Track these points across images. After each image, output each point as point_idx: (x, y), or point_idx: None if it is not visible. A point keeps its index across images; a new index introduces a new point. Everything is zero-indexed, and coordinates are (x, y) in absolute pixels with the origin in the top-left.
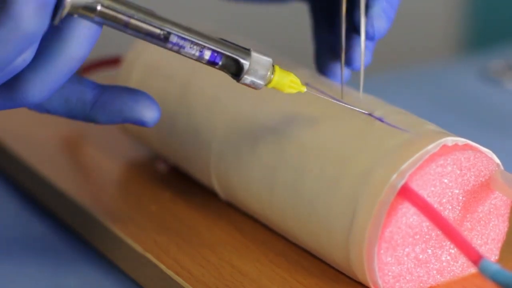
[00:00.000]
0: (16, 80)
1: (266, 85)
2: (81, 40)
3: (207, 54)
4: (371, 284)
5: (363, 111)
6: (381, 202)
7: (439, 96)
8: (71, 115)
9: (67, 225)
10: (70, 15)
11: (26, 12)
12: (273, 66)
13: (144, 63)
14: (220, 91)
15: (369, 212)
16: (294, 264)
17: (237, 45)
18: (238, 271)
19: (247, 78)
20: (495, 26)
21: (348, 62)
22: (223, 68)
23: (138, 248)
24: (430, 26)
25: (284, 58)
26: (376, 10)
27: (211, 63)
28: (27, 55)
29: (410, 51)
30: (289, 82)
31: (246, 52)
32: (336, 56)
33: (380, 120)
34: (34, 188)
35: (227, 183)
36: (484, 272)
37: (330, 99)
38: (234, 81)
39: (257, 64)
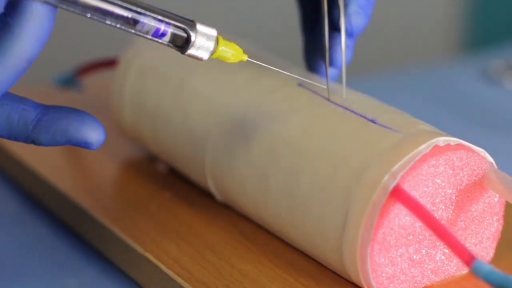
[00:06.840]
0: None
1: (210, 56)
2: (32, 39)
3: (153, 27)
4: (365, 286)
5: (356, 112)
6: (373, 203)
7: (439, 96)
8: (12, 135)
9: (67, 225)
10: None
11: None
12: (217, 36)
13: (139, 64)
14: (214, 91)
15: (361, 213)
16: (294, 264)
17: (181, 16)
18: (238, 271)
19: (193, 50)
20: (495, 26)
21: (330, 61)
22: (171, 41)
23: (138, 248)
24: (430, 26)
25: (278, 58)
26: (353, 7)
27: (158, 36)
28: None
29: (410, 51)
30: (232, 52)
31: (191, 23)
32: (320, 54)
33: (373, 121)
34: (34, 188)
35: (222, 185)
36: (476, 272)
37: (322, 100)
38: (229, 81)
39: (202, 35)
